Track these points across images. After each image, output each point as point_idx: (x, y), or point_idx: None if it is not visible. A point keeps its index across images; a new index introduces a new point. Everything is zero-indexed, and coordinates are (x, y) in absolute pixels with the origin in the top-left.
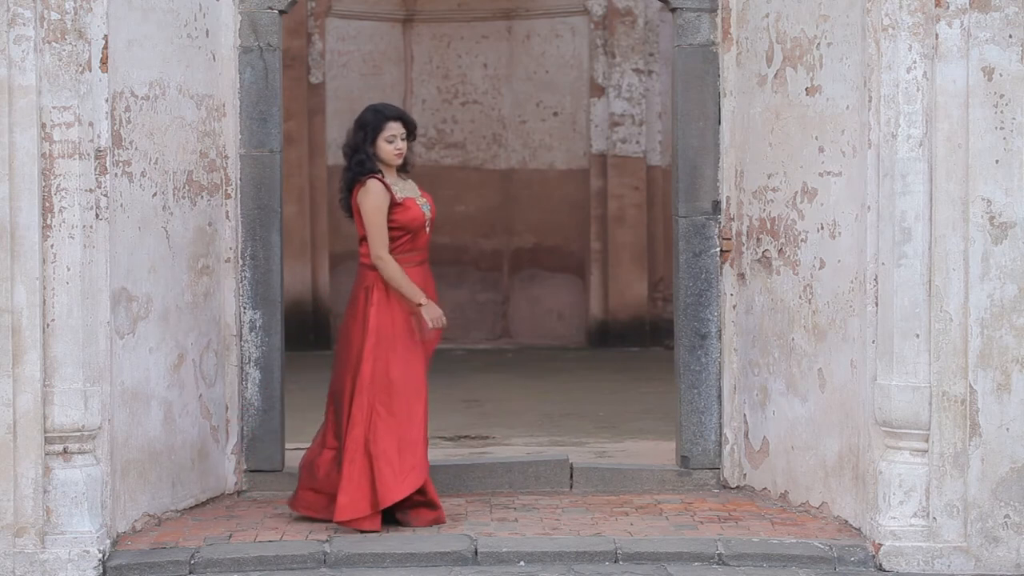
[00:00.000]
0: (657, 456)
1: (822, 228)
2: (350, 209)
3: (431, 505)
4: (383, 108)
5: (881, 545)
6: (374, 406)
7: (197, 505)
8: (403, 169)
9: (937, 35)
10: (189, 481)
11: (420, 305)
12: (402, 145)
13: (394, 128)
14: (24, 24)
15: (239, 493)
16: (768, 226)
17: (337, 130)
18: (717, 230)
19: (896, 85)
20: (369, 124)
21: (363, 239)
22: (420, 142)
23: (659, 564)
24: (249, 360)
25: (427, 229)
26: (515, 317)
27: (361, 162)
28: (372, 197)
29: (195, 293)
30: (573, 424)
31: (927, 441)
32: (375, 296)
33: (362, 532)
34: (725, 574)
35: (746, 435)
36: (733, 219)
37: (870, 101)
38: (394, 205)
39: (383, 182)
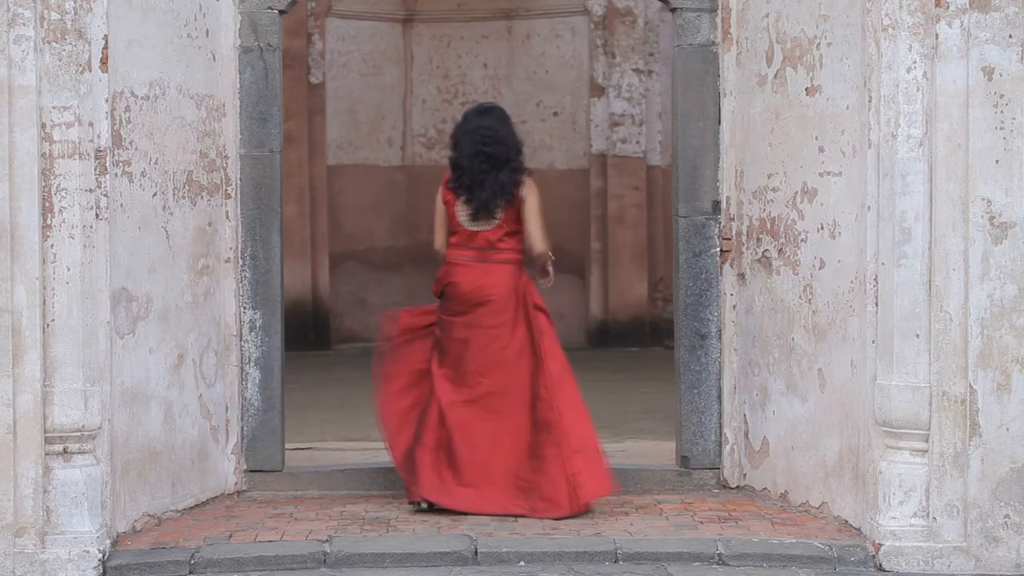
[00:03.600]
0: (657, 456)
1: (822, 228)
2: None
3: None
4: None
5: (881, 545)
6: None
7: (197, 505)
8: None
9: (937, 35)
10: (189, 481)
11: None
12: None
13: None
14: (24, 24)
15: (239, 493)
16: (768, 226)
17: (337, 130)
18: (717, 230)
19: (896, 85)
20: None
21: (514, 233)
22: (420, 142)
23: (659, 564)
24: (249, 360)
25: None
26: None
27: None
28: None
29: (195, 293)
30: None
31: (927, 441)
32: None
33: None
34: (725, 574)
35: (746, 435)
36: (733, 219)
37: (870, 101)
38: None
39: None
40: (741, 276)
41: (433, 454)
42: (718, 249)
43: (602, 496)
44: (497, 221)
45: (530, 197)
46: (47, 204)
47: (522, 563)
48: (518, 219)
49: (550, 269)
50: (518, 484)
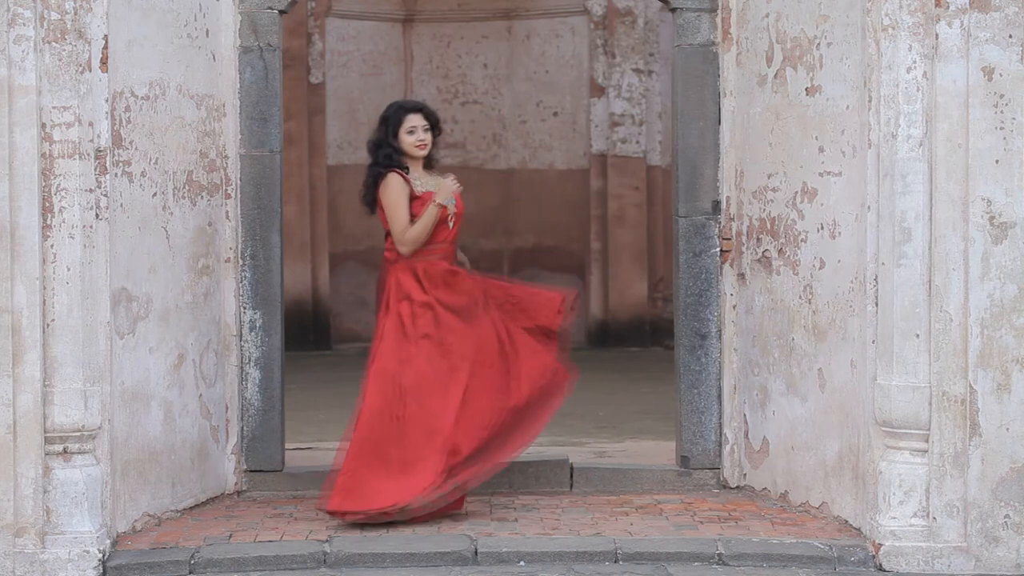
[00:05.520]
0: (657, 456)
1: (822, 228)
2: (373, 204)
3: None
4: (404, 102)
5: (881, 545)
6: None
7: (197, 505)
8: (428, 165)
9: (937, 35)
10: (189, 481)
11: (439, 204)
12: (424, 136)
13: (414, 120)
14: (24, 24)
15: (239, 493)
16: (768, 226)
17: (337, 130)
18: (717, 230)
19: (896, 85)
20: (390, 118)
21: (388, 234)
22: None
23: (659, 564)
24: (249, 360)
25: (450, 224)
26: None
27: (389, 156)
28: (390, 190)
29: (195, 293)
30: (573, 424)
31: (927, 441)
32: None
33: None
34: (725, 574)
35: (746, 435)
36: (733, 219)
37: (870, 101)
38: (413, 198)
39: (403, 176)
40: (741, 276)
41: None
42: (718, 249)
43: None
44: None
45: (382, 196)
46: (47, 204)
47: (522, 563)
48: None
49: (444, 194)
50: None
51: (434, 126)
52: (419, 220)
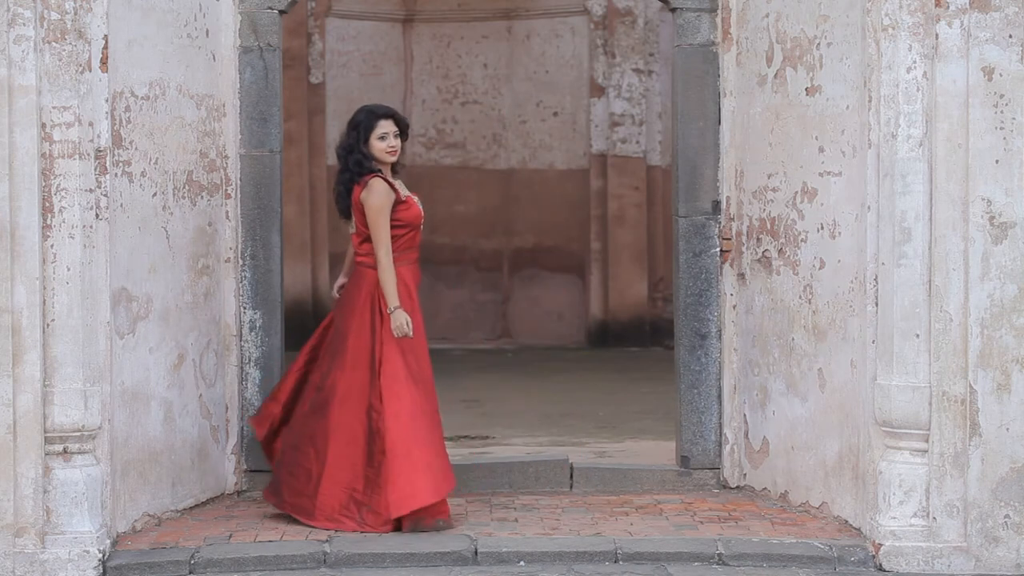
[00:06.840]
0: (657, 456)
1: (822, 228)
2: (348, 211)
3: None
4: (374, 107)
5: (881, 545)
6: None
7: (197, 505)
8: (393, 169)
9: (937, 35)
10: (189, 481)
11: (391, 310)
12: (395, 143)
13: (386, 126)
14: (24, 24)
15: (239, 493)
16: (768, 226)
17: (337, 130)
18: (717, 230)
19: (896, 85)
20: (361, 124)
21: (368, 238)
22: (420, 142)
23: (659, 564)
24: (249, 360)
25: (420, 227)
26: (515, 317)
27: (359, 162)
28: (377, 195)
29: (195, 293)
30: (573, 424)
31: (927, 441)
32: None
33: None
34: (725, 574)
35: (746, 435)
36: (733, 219)
37: (870, 101)
38: (398, 203)
39: (387, 180)
40: (741, 276)
41: None
42: (718, 249)
43: None
44: (352, 225)
45: (366, 201)
46: (47, 204)
47: (522, 563)
48: (366, 223)
49: (390, 318)
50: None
51: (403, 132)
52: (391, 282)
